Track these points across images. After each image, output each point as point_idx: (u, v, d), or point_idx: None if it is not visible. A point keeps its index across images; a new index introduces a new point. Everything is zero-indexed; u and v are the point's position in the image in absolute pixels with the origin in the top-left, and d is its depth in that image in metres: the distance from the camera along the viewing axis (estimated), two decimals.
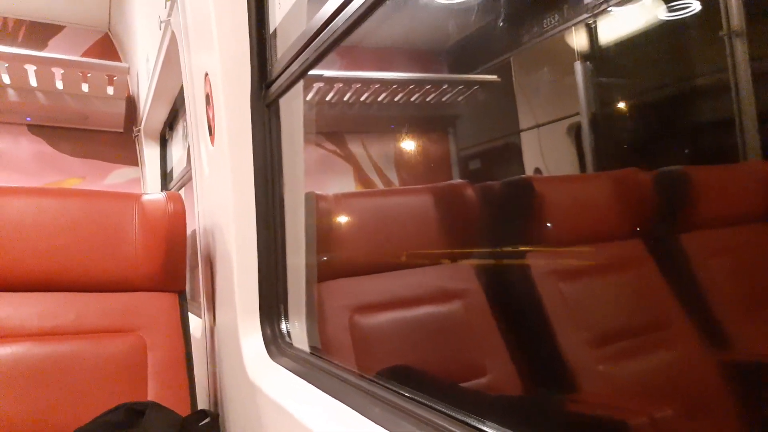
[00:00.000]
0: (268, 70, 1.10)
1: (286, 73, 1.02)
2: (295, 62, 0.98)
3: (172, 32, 1.65)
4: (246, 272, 1.08)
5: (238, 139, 1.09)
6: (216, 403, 1.31)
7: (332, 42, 0.87)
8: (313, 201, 1.21)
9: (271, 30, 1.11)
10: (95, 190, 1.25)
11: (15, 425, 0.93)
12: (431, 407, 0.61)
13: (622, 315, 1.01)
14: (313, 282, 1.16)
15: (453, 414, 0.57)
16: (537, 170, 1.20)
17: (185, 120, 1.53)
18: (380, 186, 2.74)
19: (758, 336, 0.74)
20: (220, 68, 1.09)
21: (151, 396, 1.05)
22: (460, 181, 1.49)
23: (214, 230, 1.24)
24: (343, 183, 2.74)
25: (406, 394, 0.67)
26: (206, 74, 1.19)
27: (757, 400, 0.76)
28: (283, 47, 1.05)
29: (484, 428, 0.53)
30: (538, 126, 1.18)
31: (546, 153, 1.16)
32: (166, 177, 3.12)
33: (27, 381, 0.97)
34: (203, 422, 1.01)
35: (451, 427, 0.54)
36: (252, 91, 1.10)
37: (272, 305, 1.09)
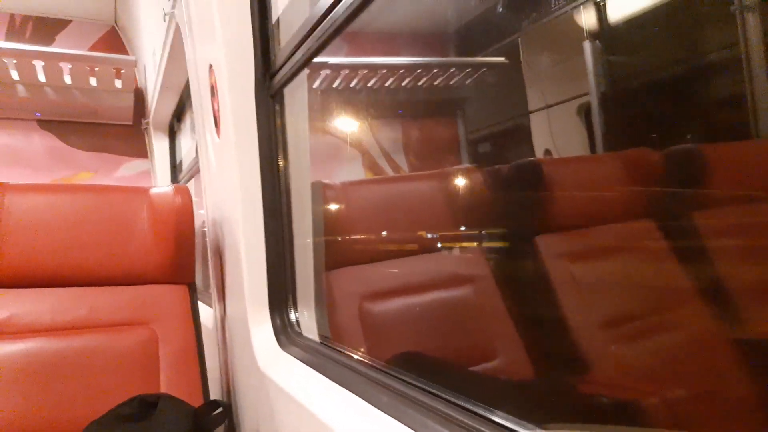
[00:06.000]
0: (271, 60, 1.09)
1: (289, 62, 1.01)
2: (298, 51, 0.98)
3: (176, 24, 1.64)
4: (254, 263, 1.08)
5: (243, 131, 1.08)
6: (228, 393, 1.32)
7: (335, 29, 0.86)
8: (320, 190, 1.21)
9: (274, 20, 1.10)
10: (105, 185, 1.26)
11: (29, 420, 0.94)
12: (436, 395, 0.61)
13: (637, 297, 1.00)
14: (322, 271, 1.16)
15: (458, 401, 0.57)
16: (547, 152, 1.19)
17: (192, 111, 1.53)
18: (389, 171, 2.73)
19: None
20: (224, 59, 1.08)
21: (164, 388, 1.06)
22: (467, 165, 1.48)
23: (223, 222, 1.25)
24: (352, 169, 2.73)
25: (412, 382, 0.67)
26: (210, 66, 1.18)
27: None
28: (286, 37, 1.04)
29: (489, 416, 0.53)
30: (547, 107, 1.17)
31: (556, 134, 1.15)
32: (175, 168, 3.13)
33: (41, 376, 0.98)
34: (215, 412, 1.02)
35: (456, 415, 0.54)
36: (256, 81, 1.09)
37: (281, 295, 1.09)
